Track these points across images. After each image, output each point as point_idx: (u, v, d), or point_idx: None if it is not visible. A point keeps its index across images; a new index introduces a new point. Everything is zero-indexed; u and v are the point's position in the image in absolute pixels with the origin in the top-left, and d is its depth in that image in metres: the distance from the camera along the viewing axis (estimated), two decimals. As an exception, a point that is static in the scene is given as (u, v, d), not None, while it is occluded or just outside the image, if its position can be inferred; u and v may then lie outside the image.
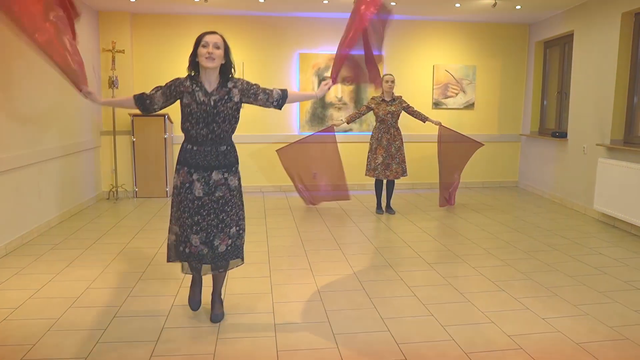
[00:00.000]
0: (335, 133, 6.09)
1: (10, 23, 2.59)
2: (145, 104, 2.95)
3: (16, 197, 4.63)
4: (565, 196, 6.64)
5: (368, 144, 6.07)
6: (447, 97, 7.71)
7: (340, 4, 6.33)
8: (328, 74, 7.27)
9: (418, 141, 7.53)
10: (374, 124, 6.01)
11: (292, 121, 7.49)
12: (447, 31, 7.60)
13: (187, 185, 2.91)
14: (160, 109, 3.01)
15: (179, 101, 2.95)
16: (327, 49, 7.29)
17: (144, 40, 7.07)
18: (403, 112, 5.96)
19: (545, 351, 2.75)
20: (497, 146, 7.85)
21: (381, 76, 3.14)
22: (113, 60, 6.63)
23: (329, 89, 3.17)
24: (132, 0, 6.24)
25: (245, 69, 7.09)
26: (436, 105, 7.68)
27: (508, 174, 8.09)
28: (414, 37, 7.53)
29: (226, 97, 2.90)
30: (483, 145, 6.26)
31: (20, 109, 4.70)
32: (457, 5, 6.40)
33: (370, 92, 7.41)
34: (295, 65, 7.39)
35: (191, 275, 3.15)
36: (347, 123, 6.05)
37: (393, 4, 3.03)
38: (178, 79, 2.95)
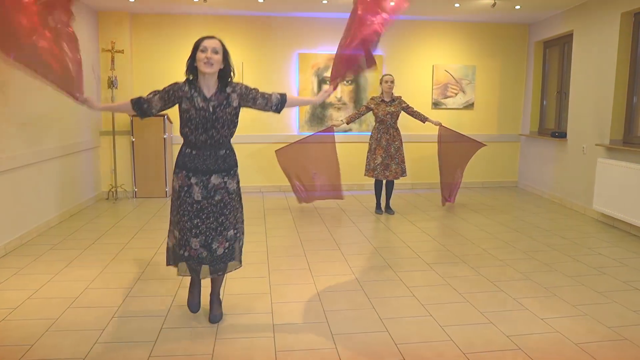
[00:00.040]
0: (335, 133, 6.08)
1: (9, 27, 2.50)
2: (143, 108, 2.93)
3: (15, 197, 4.63)
4: (564, 196, 6.64)
5: (367, 144, 6.07)
6: (446, 97, 7.71)
7: (340, 4, 6.33)
8: (327, 73, 7.28)
9: (417, 141, 7.53)
10: (374, 124, 6.01)
11: (291, 121, 7.49)
12: (447, 31, 7.59)
13: (186, 189, 2.90)
14: (158, 113, 3.00)
15: (177, 105, 2.94)
16: (326, 49, 7.28)
17: (143, 40, 7.06)
18: (403, 112, 5.96)
19: (544, 351, 2.75)
20: (496, 146, 7.85)
21: (373, 57, 3.15)
22: (112, 60, 6.63)
23: (328, 95, 3.21)
24: (132, 0, 6.24)
25: (244, 69, 7.09)
26: (436, 105, 7.68)
27: (507, 174, 8.09)
28: (413, 37, 7.53)
29: (225, 102, 2.89)
30: (485, 145, 6.26)
31: (19, 109, 4.70)
32: (457, 5, 6.39)
33: (370, 92, 7.42)
34: (294, 65, 7.39)
35: (189, 277, 3.15)
36: (347, 123, 6.05)
37: (392, 4, 3.01)
38: (176, 83, 2.92)
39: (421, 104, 7.21)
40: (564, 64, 6.98)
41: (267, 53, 7.31)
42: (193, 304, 3.17)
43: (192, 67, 2.88)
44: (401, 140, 5.94)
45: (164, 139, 6.84)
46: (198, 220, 2.90)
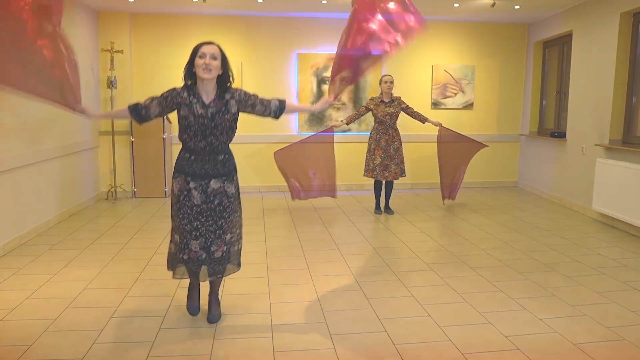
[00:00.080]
0: (335, 133, 6.08)
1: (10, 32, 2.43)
2: (141, 114, 2.91)
3: (15, 197, 4.63)
4: (564, 196, 6.63)
5: (366, 144, 6.06)
6: (446, 97, 7.71)
7: (339, 4, 6.33)
8: (327, 74, 7.28)
9: (417, 141, 7.53)
10: (373, 124, 6.01)
11: (291, 121, 7.48)
12: (446, 31, 7.59)
13: (185, 193, 2.90)
14: (156, 118, 2.99)
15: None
16: (325, 49, 7.28)
17: (143, 40, 7.06)
18: (402, 112, 5.96)
19: (542, 352, 2.75)
20: (496, 146, 7.84)
21: (373, 56, 3.14)
22: (112, 61, 6.63)
23: (328, 105, 3.23)
24: (131, 1, 6.24)
25: (243, 69, 7.08)
26: (435, 105, 7.68)
27: (507, 174, 8.09)
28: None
29: (223, 109, 2.88)
30: (487, 146, 6.25)
31: (19, 109, 4.70)
32: (456, 5, 6.40)
33: (370, 93, 7.41)
34: (294, 66, 7.39)
35: (188, 280, 3.15)
36: (347, 124, 6.05)
37: (392, 4, 3.00)
38: (175, 89, 2.90)
39: (420, 104, 7.21)
40: (563, 64, 6.98)
41: (267, 53, 7.31)
42: (193, 307, 3.16)
43: (190, 72, 2.86)
44: (400, 140, 5.94)
45: (164, 139, 6.84)
46: (198, 222, 2.90)
